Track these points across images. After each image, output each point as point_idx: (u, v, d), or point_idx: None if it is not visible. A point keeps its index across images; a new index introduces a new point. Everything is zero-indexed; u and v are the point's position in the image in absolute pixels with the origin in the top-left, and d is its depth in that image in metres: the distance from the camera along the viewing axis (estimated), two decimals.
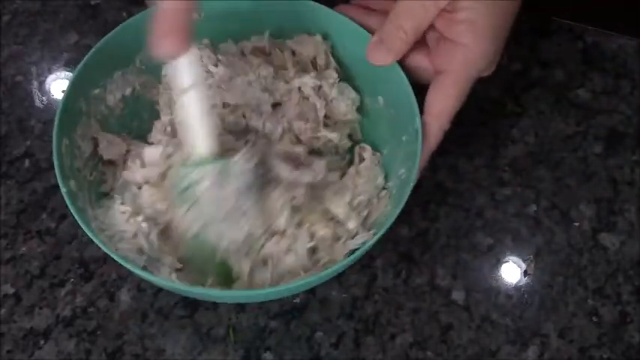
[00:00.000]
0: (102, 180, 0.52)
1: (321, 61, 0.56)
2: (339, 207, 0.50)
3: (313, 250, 0.49)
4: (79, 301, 0.52)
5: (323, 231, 0.50)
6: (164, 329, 0.51)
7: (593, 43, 0.65)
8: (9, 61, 0.63)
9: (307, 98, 0.55)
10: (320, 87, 0.54)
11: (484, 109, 0.61)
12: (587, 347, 0.51)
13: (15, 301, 0.52)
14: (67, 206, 0.46)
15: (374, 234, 0.46)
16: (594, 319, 0.52)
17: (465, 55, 0.49)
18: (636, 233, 0.56)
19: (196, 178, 0.47)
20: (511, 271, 0.54)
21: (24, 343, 0.50)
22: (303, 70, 0.56)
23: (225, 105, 0.54)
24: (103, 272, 0.53)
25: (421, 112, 0.49)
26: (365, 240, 0.48)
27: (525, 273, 0.54)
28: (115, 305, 0.52)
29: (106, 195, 0.52)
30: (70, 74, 0.62)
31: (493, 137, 0.60)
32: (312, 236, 0.49)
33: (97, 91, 0.52)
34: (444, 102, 0.50)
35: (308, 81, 0.54)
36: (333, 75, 0.55)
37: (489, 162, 0.59)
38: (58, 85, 0.62)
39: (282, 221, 0.49)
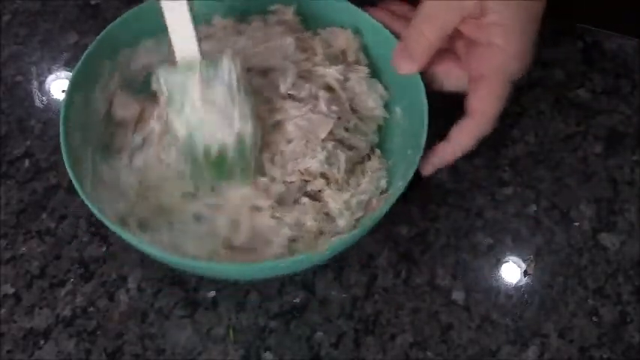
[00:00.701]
0: (112, 140, 0.53)
1: (351, 56, 0.56)
2: (336, 203, 0.51)
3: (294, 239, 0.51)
4: (79, 301, 0.52)
5: (310, 223, 0.50)
6: (164, 329, 0.51)
7: (593, 43, 0.65)
8: (9, 61, 0.63)
9: (332, 90, 0.55)
10: (346, 80, 0.55)
11: None
12: (587, 347, 0.51)
13: (15, 301, 0.52)
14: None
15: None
16: (594, 319, 0.52)
17: (501, 57, 0.49)
18: (636, 233, 0.56)
19: (184, 80, 0.47)
20: (511, 271, 0.54)
21: (24, 343, 0.50)
22: (331, 60, 0.56)
23: (250, 69, 0.54)
24: (103, 272, 0.53)
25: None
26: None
27: (525, 273, 0.54)
28: (115, 305, 0.52)
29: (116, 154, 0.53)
30: (70, 74, 0.62)
31: (493, 137, 0.59)
32: (299, 225, 0.50)
33: (125, 53, 0.54)
34: (489, 106, 0.50)
35: (333, 73, 0.54)
36: (364, 70, 0.55)
37: (489, 162, 0.59)
38: (58, 85, 0.62)
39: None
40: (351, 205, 0.51)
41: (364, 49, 0.57)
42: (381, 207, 0.48)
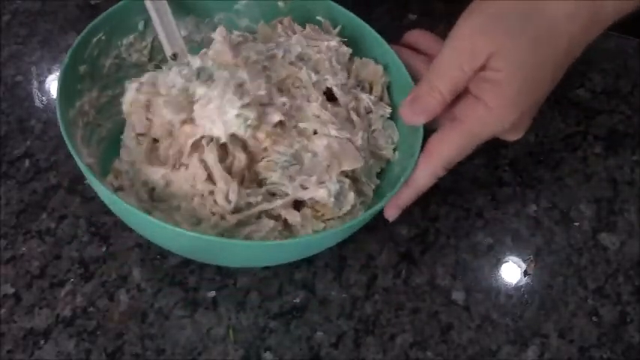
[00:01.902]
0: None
1: (377, 91, 0.56)
2: (296, 223, 0.50)
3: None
4: (79, 301, 0.52)
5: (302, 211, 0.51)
6: (164, 329, 0.51)
7: (593, 43, 0.65)
8: (9, 61, 0.63)
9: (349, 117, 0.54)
10: (369, 112, 0.54)
11: None
12: (587, 347, 0.51)
13: (15, 301, 0.52)
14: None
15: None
16: (594, 319, 0.52)
17: (483, 113, 0.48)
18: (636, 233, 0.56)
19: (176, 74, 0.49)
20: (511, 271, 0.54)
21: (24, 343, 0.50)
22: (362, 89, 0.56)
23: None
24: (103, 272, 0.53)
25: None
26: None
27: (525, 273, 0.54)
28: (115, 305, 0.52)
29: None
30: None
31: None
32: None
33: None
34: (444, 148, 0.49)
35: (366, 100, 0.54)
36: (385, 109, 0.55)
37: (489, 162, 0.59)
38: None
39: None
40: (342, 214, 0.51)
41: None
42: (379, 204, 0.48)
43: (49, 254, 0.53)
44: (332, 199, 0.49)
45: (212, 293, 0.52)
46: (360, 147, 0.52)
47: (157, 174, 0.50)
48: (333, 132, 0.51)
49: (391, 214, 0.51)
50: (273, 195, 0.50)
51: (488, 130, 0.48)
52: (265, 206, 0.49)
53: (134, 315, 0.51)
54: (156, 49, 0.57)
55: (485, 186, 0.58)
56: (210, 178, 0.49)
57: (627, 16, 0.50)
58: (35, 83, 0.62)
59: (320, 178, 0.50)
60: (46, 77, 0.63)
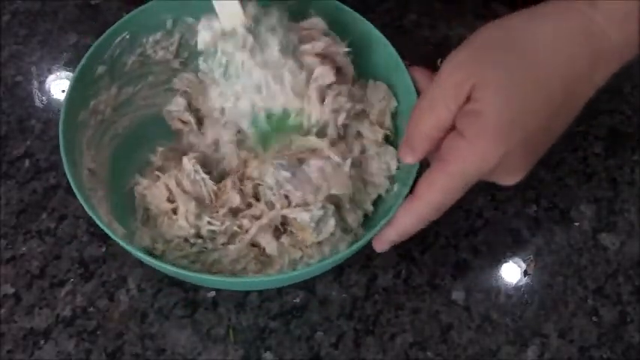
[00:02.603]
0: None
1: (374, 114, 0.55)
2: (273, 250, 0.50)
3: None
4: (79, 301, 0.52)
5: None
6: (164, 329, 0.51)
7: None
8: (9, 61, 0.63)
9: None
10: (359, 134, 0.53)
11: None
12: (587, 347, 0.51)
13: (15, 301, 0.52)
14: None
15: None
16: (594, 319, 0.52)
17: (465, 149, 0.44)
18: (636, 233, 0.56)
19: (228, 49, 0.48)
20: (511, 271, 0.54)
21: (24, 343, 0.50)
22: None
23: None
24: (103, 272, 0.53)
25: None
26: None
27: (525, 273, 0.54)
28: (115, 305, 0.52)
29: None
30: (70, 74, 0.62)
31: None
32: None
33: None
34: (430, 192, 0.46)
35: (355, 123, 0.53)
36: (378, 134, 0.53)
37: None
38: (58, 85, 0.62)
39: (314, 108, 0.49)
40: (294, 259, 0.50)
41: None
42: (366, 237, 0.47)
43: (49, 254, 0.53)
44: (312, 224, 0.49)
45: (212, 293, 0.52)
46: (348, 174, 0.51)
47: (140, 185, 0.52)
48: (331, 155, 0.50)
49: (379, 248, 0.49)
50: (253, 217, 0.50)
51: (472, 168, 0.44)
52: (238, 232, 0.50)
53: (134, 315, 0.51)
54: (183, 46, 0.57)
55: (485, 186, 0.58)
56: (170, 199, 0.50)
57: None
58: (35, 83, 0.62)
59: (305, 196, 0.49)
60: (46, 77, 0.63)
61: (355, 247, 0.47)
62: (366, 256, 0.54)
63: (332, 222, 0.49)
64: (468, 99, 0.44)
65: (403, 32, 0.65)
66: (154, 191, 0.51)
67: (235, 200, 0.50)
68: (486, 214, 0.57)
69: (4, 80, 0.62)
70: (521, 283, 0.54)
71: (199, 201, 0.50)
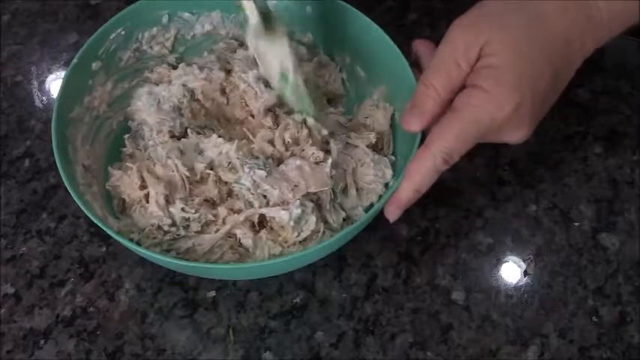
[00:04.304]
0: None
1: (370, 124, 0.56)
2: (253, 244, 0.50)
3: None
4: (79, 301, 0.52)
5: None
6: (164, 329, 0.51)
7: None
8: (9, 61, 0.63)
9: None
10: (353, 147, 0.54)
11: None
12: (587, 347, 0.51)
13: (15, 301, 0.52)
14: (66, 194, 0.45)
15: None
16: (594, 319, 0.52)
17: (481, 98, 0.45)
18: (636, 233, 0.56)
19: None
20: (511, 271, 0.54)
21: (24, 343, 0.50)
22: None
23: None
24: (103, 272, 0.53)
25: None
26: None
27: (525, 273, 0.54)
28: (115, 305, 0.52)
29: None
30: None
31: None
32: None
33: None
34: (443, 137, 0.46)
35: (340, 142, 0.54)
36: (370, 135, 0.54)
37: (489, 162, 0.59)
38: (58, 85, 0.62)
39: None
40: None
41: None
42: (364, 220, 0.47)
43: (49, 254, 0.54)
44: (292, 223, 0.48)
45: (212, 293, 0.52)
46: (328, 172, 0.51)
47: (114, 176, 0.52)
48: (310, 152, 0.51)
49: (392, 212, 0.48)
50: (232, 210, 0.50)
51: (487, 116, 0.45)
52: (213, 220, 0.50)
53: (134, 315, 0.51)
54: (179, 41, 0.58)
55: (485, 186, 0.58)
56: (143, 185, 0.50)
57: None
58: (35, 83, 0.62)
59: (283, 194, 0.49)
60: (46, 77, 0.63)
61: (339, 235, 0.46)
62: (366, 255, 0.54)
63: (312, 219, 0.49)
64: (479, 57, 0.46)
65: (403, 32, 0.65)
66: (125, 180, 0.51)
67: (212, 192, 0.51)
68: (486, 214, 0.57)
69: (4, 80, 0.62)
70: (521, 283, 0.54)
71: (172, 185, 0.50)
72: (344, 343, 0.51)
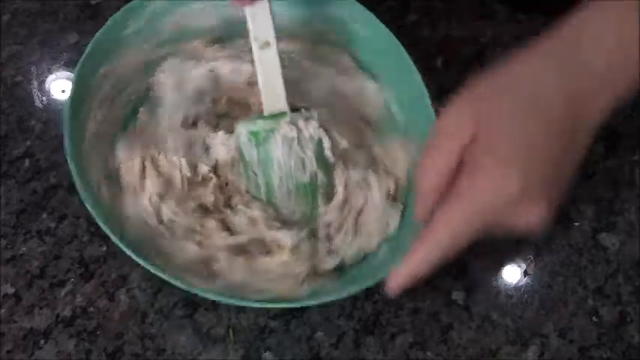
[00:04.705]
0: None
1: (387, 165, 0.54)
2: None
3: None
4: (79, 301, 0.52)
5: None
6: (164, 329, 0.51)
7: None
8: (9, 61, 0.63)
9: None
10: (367, 182, 0.53)
11: None
12: (587, 347, 0.51)
13: (15, 301, 0.52)
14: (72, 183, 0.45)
15: None
16: (594, 319, 0.52)
17: (480, 180, 0.42)
18: (636, 233, 0.56)
19: (268, 128, 0.49)
20: (511, 271, 0.54)
21: (24, 343, 0.50)
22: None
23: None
24: (103, 272, 0.53)
25: None
26: None
27: (525, 273, 0.54)
28: (115, 305, 0.52)
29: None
30: (70, 74, 0.62)
31: None
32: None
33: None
34: (444, 222, 0.43)
35: (357, 175, 0.53)
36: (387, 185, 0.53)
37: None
38: (58, 85, 0.62)
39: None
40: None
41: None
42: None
43: (49, 254, 0.53)
44: (290, 246, 0.49)
45: None
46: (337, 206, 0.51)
47: (119, 158, 0.51)
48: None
49: (394, 289, 0.45)
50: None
51: (489, 195, 0.42)
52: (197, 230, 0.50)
53: (134, 315, 0.51)
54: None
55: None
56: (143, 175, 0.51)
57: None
58: (35, 83, 0.62)
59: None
60: (46, 77, 0.63)
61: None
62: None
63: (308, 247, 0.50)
64: (474, 138, 0.42)
65: (403, 32, 0.65)
66: (128, 164, 0.50)
67: (209, 199, 0.50)
68: None
69: (4, 80, 0.62)
70: (521, 283, 0.54)
71: (170, 184, 0.50)
72: (344, 343, 0.51)
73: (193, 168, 0.51)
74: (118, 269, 0.53)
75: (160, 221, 0.49)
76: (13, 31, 0.65)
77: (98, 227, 0.45)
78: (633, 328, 0.52)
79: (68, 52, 0.64)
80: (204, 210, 0.51)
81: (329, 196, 0.51)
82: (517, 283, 0.54)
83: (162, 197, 0.49)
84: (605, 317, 0.52)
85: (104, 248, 0.54)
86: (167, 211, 0.49)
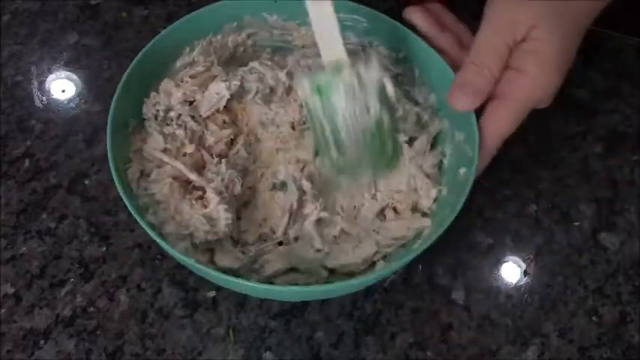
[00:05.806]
0: None
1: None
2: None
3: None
4: (79, 301, 0.52)
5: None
6: (164, 329, 0.51)
7: (593, 43, 0.65)
8: (9, 61, 0.63)
9: None
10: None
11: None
12: (587, 347, 0.51)
13: (15, 301, 0.52)
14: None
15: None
16: (594, 319, 0.52)
17: (528, 85, 0.48)
18: (636, 233, 0.56)
19: (332, 81, 0.48)
20: (511, 271, 0.54)
21: (24, 343, 0.50)
22: None
23: None
24: (103, 272, 0.53)
25: None
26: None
27: (525, 273, 0.54)
28: (115, 305, 0.52)
29: None
30: (70, 74, 0.62)
31: None
32: None
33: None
34: (497, 128, 0.49)
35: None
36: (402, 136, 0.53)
37: (489, 162, 0.59)
38: (58, 85, 0.62)
39: None
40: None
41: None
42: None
43: (49, 254, 0.53)
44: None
45: (212, 293, 0.52)
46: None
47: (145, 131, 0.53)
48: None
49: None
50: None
51: (534, 100, 0.49)
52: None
53: (134, 315, 0.51)
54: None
55: (485, 186, 0.58)
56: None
57: (627, 16, 0.51)
58: (35, 83, 0.62)
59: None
60: (46, 77, 0.63)
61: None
62: None
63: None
64: (524, 39, 0.48)
65: None
66: (149, 142, 0.52)
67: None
68: (486, 214, 0.57)
69: (4, 80, 0.62)
70: (521, 283, 0.54)
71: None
72: (344, 343, 0.51)
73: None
74: (118, 269, 0.53)
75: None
76: (13, 31, 0.65)
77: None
78: (633, 328, 0.52)
79: (68, 52, 0.64)
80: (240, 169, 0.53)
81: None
82: (517, 282, 0.54)
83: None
84: (605, 317, 0.52)
85: (104, 248, 0.54)
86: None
